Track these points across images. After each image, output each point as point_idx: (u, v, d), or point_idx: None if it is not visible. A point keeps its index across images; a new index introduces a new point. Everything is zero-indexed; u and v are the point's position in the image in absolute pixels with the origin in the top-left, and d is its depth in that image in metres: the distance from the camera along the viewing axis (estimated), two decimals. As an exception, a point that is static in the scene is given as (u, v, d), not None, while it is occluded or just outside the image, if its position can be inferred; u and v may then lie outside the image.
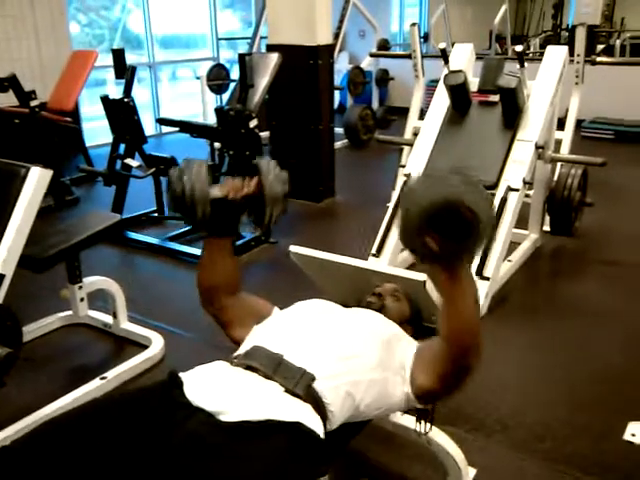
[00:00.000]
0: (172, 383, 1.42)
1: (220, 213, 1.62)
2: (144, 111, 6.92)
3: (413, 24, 4.72)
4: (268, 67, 4.03)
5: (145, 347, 2.67)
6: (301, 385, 1.40)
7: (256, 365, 1.44)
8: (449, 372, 1.53)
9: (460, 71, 3.39)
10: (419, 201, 1.33)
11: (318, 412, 1.40)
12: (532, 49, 9.33)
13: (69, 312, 2.79)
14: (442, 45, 3.53)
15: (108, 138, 4.17)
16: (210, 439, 1.26)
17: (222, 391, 1.38)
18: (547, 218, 3.87)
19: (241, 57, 3.48)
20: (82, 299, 2.66)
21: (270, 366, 1.43)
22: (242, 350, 1.56)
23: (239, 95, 3.62)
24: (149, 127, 6.64)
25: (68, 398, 2.26)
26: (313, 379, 1.42)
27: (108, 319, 2.82)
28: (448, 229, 1.31)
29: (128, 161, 4.02)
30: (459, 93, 3.43)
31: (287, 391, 1.39)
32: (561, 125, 4.23)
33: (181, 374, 1.45)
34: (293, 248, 2.12)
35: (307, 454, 1.30)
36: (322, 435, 1.37)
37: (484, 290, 2.99)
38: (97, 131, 6.37)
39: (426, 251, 1.35)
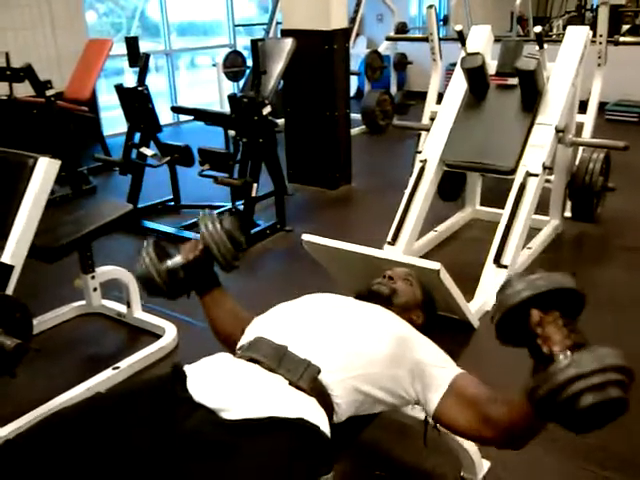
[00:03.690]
0: (175, 377, 1.40)
1: (192, 275, 1.78)
2: (161, 99, 6.93)
3: (430, 6, 4.63)
4: (282, 53, 3.97)
5: (159, 336, 2.67)
6: (306, 378, 1.37)
7: (260, 357, 1.42)
8: (487, 436, 1.44)
9: (478, 53, 3.30)
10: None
11: (324, 405, 1.38)
12: (555, 30, 9.12)
13: (83, 302, 2.80)
14: (458, 27, 3.44)
15: (126, 127, 4.16)
16: (211, 437, 1.24)
17: (224, 386, 1.36)
18: (568, 204, 3.79)
19: (253, 43, 3.44)
20: (95, 289, 2.67)
21: (274, 358, 1.41)
22: (245, 341, 1.54)
23: (252, 82, 3.58)
24: (166, 115, 6.62)
25: (81, 388, 2.27)
26: (318, 371, 1.39)
27: (122, 308, 2.82)
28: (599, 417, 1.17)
29: (143, 150, 4.01)
30: (477, 76, 3.35)
31: (291, 384, 1.37)
32: (584, 108, 4.12)
33: (185, 367, 1.44)
34: (305, 237, 2.10)
35: (311, 451, 1.28)
36: (327, 430, 1.34)
37: (502, 279, 2.93)
38: (115, 120, 6.37)
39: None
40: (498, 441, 1.43)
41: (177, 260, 1.77)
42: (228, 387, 1.35)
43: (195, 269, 1.78)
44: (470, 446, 1.77)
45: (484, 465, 1.86)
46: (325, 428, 1.33)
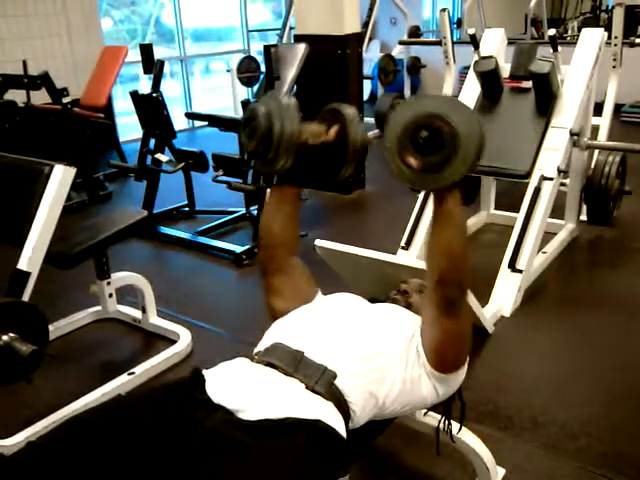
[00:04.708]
0: (194, 380, 1.41)
1: (296, 159, 1.52)
2: (176, 105, 6.98)
3: (443, 10, 4.63)
4: (295, 58, 3.98)
5: (174, 342, 2.68)
6: (322, 383, 1.38)
7: (276, 362, 1.42)
8: (441, 312, 1.45)
9: (491, 57, 3.29)
10: (396, 121, 1.33)
11: (340, 410, 1.38)
12: (570, 32, 9.07)
13: (99, 307, 2.82)
14: (471, 31, 3.44)
15: (141, 133, 4.19)
16: (230, 437, 1.25)
17: (242, 388, 1.37)
18: (584, 207, 3.75)
19: (266, 49, 3.45)
20: (111, 295, 2.68)
21: (291, 363, 1.41)
22: (262, 346, 1.54)
23: (265, 87, 3.60)
24: (181, 121, 6.66)
25: (96, 394, 2.29)
26: (335, 377, 1.40)
27: (137, 314, 2.84)
28: (425, 144, 1.30)
29: (158, 156, 4.04)
30: (490, 80, 3.33)
31: (307, 388, 1.37)
32: (600, 110, 4.09)
33: (204, 371, 1.45)
34: (318, 242, 2.10)
35: (327, 453, 1.29)
36: (344, 433, 1.34)
37: (517, 283, 2.91)
38: (131, 126, 6.42)
39: (407, 170, 1.33)
40: (443, 283, 1.42)
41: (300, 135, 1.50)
42: (246, 389, 1.37)
43: (308, 157, 1.54)
44: (484, 453, 1.76)
45: (499, 472, 1.84)
46: (341, 430, 1.34)
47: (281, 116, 1.49)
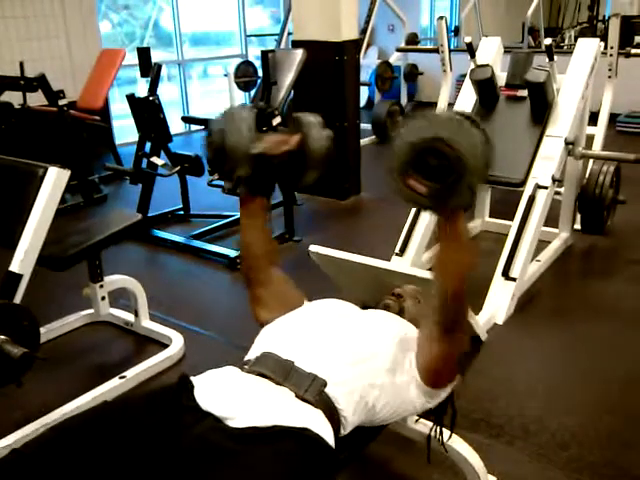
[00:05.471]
0: (182, 387, 1.41)
1: (258, 170, 1.54)
2: (173, 108, 6.98)
3: (440, 18, 4.65)
4: (293, 64, 4.00)
5: (166, 346, 2.67)
6: (312, 391, 1.37)
7: (267, 372, 1.42)
8: (441, 337, 1.46)
9: (487, 65, 3.31)
10: (401, 144, 1.32)
11: (330, 418, 1.38)
12: (567, 41, 9.12)
13: (91, 310, 2.81)
14: (468, 39, 3.45)
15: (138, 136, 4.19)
16: (217, 445, 1.24)
17: (231, 396, 1.37)
18: (578, 216, 3.77)
19: (264, 54, 3.46)
20: (103, 298, 2.67)
21: (281, 373, 1.41)
22: (252, 356, 1.54)
23: (262, 93, 3.60)
24: (177, 125, 6.66)
25: (87, 397, 2.28)
26: (324, 385, 1.40)
27: (130, 317, 2.83)
28: (428, 168, 1.28)
29: (153, 159, 4.03)
30: (486, 88, 3.35)
31: (297, 397, 1.37)
32: (596, 119, 4.11)
33: (192, 378, 1.44)
34: (312, 247, 2.09)
35: (315, 460, 1.28)
36: (332, 442, 1.34)
37: (510, 291, 2.92)
38: (128, 129, 6.42)
39: (413, 195, 1.32)
40: (451, 321, 1.44)
41: (257, 147, 1.50)
42: (235, 397, 1.36)
43: (270, 167, 1.55)
44: (475, 461, 1.75)
45: (489, 480, 1.84)
46: (330, 439, 1.33)
47: (232, 131, 1.52)
